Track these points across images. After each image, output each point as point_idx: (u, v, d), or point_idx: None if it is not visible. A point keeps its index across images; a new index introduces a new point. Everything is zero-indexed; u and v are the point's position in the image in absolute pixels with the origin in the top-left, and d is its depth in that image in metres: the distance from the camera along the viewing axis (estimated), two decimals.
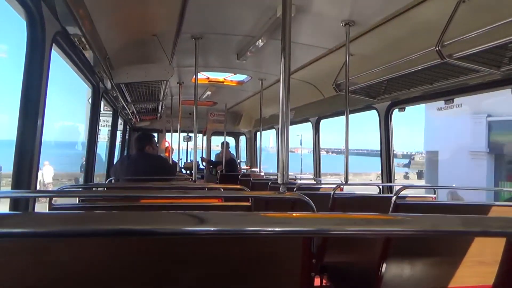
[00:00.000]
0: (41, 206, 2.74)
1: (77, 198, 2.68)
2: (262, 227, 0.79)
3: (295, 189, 3.66)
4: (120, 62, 4.04)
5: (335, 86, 3.85)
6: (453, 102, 3.52)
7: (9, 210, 1.97)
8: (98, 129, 4.11)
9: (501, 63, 2.55)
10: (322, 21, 3.31)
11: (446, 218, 0.85)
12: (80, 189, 2.84)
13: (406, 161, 46.53)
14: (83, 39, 2.58)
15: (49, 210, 1.94)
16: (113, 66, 3.93)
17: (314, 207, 1.53)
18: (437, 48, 2.46)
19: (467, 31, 2.36)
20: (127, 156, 5.40)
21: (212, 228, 0.75)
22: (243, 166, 10.01)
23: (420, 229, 0.84)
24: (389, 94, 3.77)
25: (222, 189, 2.79)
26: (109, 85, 4.10)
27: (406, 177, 35.86)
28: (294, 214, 0.86)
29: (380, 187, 4.11)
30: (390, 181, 4.23)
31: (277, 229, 0.80)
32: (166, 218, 0.76)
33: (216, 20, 3.58)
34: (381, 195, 3.88)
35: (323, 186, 5.06)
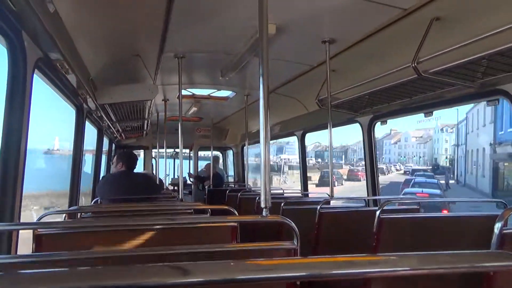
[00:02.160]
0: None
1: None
2: (247, 275, 0.82)
3: (282, 204, 3.67)
4: (104, 82, 4.04)
5: (318, 101, 3.92)
6: (432, 115, 3.60)
7: None
8: (83, 151, 4.09)
9: (475, 77, 2.64)
10: (303, 39, 3.38)
11: (429, 258, 0.88)
12: (64, 215, 2.82)
13: None
14: (65, 64, 2.59)
15: (33, 239, 1.93)
16: (97, 87, 3.94)
17: (297, 232, 1.56)
18: (413, 65, 2.54)
19: (441, 48, 2.44)
20: (111, 174, 5.39)
21: (197, 279, 0.77)
22: (230, 180, 10.00)
23: (403, 268, 0.87)
24: (371, 107, 3.84)
25: (209, 211, 2.80)
26: (93, 106, 4.09)
27: None
28: (277, 261, 0.89)
29: (366, 200, 4.17)
30: (375, 194, 4.29)
31: (262, 276, 0.83)
32: (150, 271, 0.77)
33: (198, 39, 3.61)
34: (367, 208, 3.93)
35: (309, 199, 5.09)
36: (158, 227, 2.10)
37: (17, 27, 1.91)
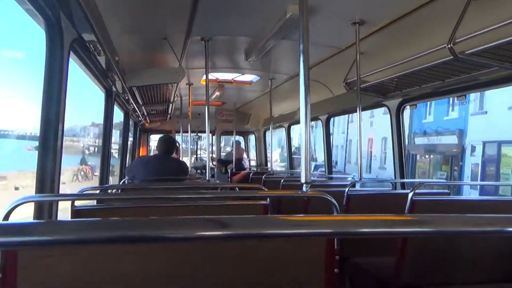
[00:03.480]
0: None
1: (95, 200, 2.75)
2: (287, 230, 0.82)
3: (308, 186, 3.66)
4: (132, 65, 4.09)
5: (346, 85, 3.87)
6: (465, 98, 3.51)
7: (34, 212, 2.03)
8: (111, 132, 4.17)
9: None
10: (332, 21, 3.32)
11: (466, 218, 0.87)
12: (98, 192, 2.90)
13: None
14: (98, 45, 2.63)
15: (71, 211, 2.00)
16: (125, 70, 3.98)
17: (338, 209, 1.55)
18: (449, 46, 2.47)
19: (478, 28, 2.36)
20: (144, 156, 5.46)
21: (234, 232, 0.78)
22: (253, 164, 10.05)
23: (439, 229, 0.86)
24: (400, 91, 3.77)
25: (237, 189, 2.82)
26: (121, 89, 4.15)
27: None
28: (318, 217, 0.88)
29: (393, 183, 4.12)
30: (403, 177, 4.24)
31: (302, 231, 0.83)
32: (188, 223, 0.78)
33: (225, 22, 3.60)
34: (396, 191, 3.88)
35: (335, 182, 5.08)
36: (190, 203, 2.14)
37: (55, 7, 1.95)
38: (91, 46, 2.61)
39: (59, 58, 2.07)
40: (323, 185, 4.23)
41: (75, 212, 2.03)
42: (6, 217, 1.30)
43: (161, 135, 9.14)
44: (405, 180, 4.24)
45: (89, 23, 2.24)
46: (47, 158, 2.04)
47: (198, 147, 10.61)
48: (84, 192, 2.12)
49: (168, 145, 4.44)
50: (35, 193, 2.05)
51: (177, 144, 9.48)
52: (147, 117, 7.08)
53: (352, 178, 5.32)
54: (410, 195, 2.31)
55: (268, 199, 2.25)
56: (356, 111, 3.58)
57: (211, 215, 2.12)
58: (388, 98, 4.05)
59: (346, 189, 3.13)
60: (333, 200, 1.57)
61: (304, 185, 1.66)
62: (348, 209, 3.12)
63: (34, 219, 2.03)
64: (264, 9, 3.23)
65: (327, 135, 6.17)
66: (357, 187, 3.89)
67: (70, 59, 2.46)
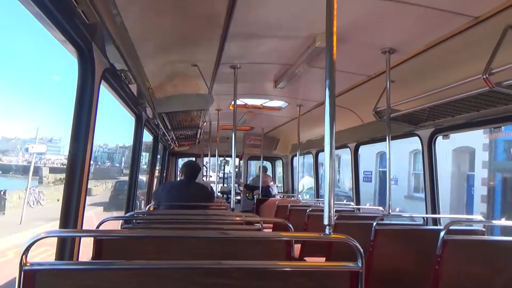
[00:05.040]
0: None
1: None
2: None
3: (335, 218, 3.56)
4: (162, 92, 4.18)
5: (375, 113, 3.78)
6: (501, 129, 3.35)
7: (57, 246, 2.08)
8: (140, 157, 4.23)
9: None
10: (362, 49, 3.29)
11: None
12: (120, 221, 2.92)
13: None
14: (129, 74, 2.70)
15: (94, 243, 2.01)
16: (155, 96, 4.07)
17: (362, 254, 1.47)
18: (484, 76, 2.37)
19: None
20: (171, 182, 5.52)
21: None
22: (280, 191, 9.94)
23: None
24: (432, 121, 3.65)
25: (262, 224, 2.76)
26: (151, 114, 4.23)
27: None
28: None
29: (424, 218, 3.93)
30: (435, 212, 4.04)
31: None
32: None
33: (254, 50, 3.64)
34: (427, 227, 3.70)
35: (362, 214, 4.91)
36: (211, 236, 2.10)
37: (88, 39, 2.01)
38: (122, 74, 2.68)
39: (90, 87, 2.13)
40: (350, 217, 4.09)
41: (97, 242, 2.05)
42: (27, 250, 1.30)
43: (189, 159, 9.33)
44: (437, 215, 4.04)
45: (120, 53, 2.31)
46: (72, 192, 2.09)
47: (226, 171, 10.64)
48: (105, 229, 2.16)
49: (193, 170, 4.45)
50: (59, 227, 2.11)
51: (205, 168, 9.58)
52: (176, 141, 7.18)
53: (382, 211, 5.12)
54: (442, 233, 2.18)
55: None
56: (386, 140, 3.49)
57: (234, 249, 2.08)
58: (419, 127, 3.92)
59: (374, 223, 3.00)
60: (358, 245, 1.49)
61: (327, 227, 1.59)
62: (375, 245, 2.98)
63: (56, 250, 2.07)
64: (293, 38, 3.25)
65: (356, 163, 6.02)
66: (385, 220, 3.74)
67: (101, 86, 2.53)
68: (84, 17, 1.73)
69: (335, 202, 1.82)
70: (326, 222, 1.58)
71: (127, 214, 3.37)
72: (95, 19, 1.79)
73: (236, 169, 9.70)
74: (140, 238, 2.09)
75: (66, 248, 2.08)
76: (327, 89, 1.64)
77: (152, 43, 3.10)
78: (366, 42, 3.13)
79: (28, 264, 1.31)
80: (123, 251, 2.16)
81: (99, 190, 26.01)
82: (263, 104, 6.46)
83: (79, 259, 2.21)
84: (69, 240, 2.09)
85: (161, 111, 3.99)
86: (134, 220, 3.16)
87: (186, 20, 2.78)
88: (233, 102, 4.34)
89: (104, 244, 2.08)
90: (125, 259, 1.51)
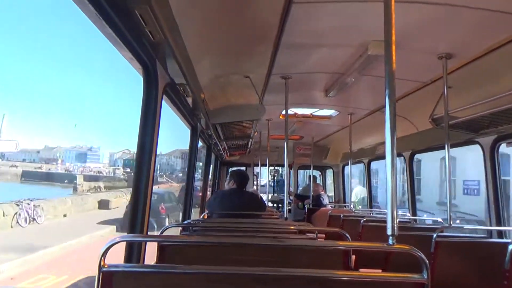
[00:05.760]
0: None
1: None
2: None
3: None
4: (215, 103, 4.33)
5: (432, 120, 3.67)
6: None
7: (125, 250, 2.24)
8: (195, 167, 4.39)
9: None
10: (417, 55, 3.22)
11: None
12: (179, 229, 3.07)
13: None
14: (187, 87, 2.84)
15: (157, 248, 2.14)
16: (209, 108, 4.22)
17: (428, 265, 1.45)
18: None
19: None
20: (222, 191, 5.66)
21: None
22: (331, 200, 9.81)
23: None
24: (495, 127, 3.48)
25: (316, 233, 2.75)
26: (205, 125, 4.38)
27: None
28: None
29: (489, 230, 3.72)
30: (500, 224, 3.81)
31: None
32: None
33: (305, 60, 3.68)
34: (492, 240, 3.50)
35: (420, 225, 4.73)
36: (269, 243, 2.13)
37: (153, 56, 2.16)
38: (181, 88, 2.83)
39: (154, 101, 2.28)
40: (407, 228, 3.95)
41: (161, 247, 2.18)
42: (105, 253, 1.44)
43: (239, 168, 9.48)
44: (503, 227, 3.80)
45: (180, 68, 2.45)
46: (138, 200, 2.25)
47: (276, 180, 10.69)
48: (168, 234, 2.28)
49: (243, 178, 4.52)
50: (127, 232, 2.31)
51: (255, 177, 9.68)
52: (227, 151, 7.35)
53: (440, 222, 4.90)
54: (510, 247, 2.06)
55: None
56: (444, 148, 3.37)
57: (288, 258, 2.11)
58: (480, 135, 3.75)
59: (434, 235, 2.89)
60: (423, 256, 1.46)
61: (390, 237, 1.56)
62: (436, 258, 2.86)
63: (125, 253, 2.24)
64: (345, 46, 3.25)
65: (411, 172, 5.83)
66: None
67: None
68: (150, 36, 1.87)
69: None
70: (389, 232, 1.56)
71: (185, 222, 3.51)
72: (160, 37, 1.92)
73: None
74: (202, 244, 2.19)
75: (134, 251, 2.23)
76: (387, 97, 1.64)
77: (208, 57, 3.23)
78: (422, 48, 3.07)
79: (105, 266, 1.45)
80: (183, 256, 2.28)
81: (120, 202, 23.40)
82: (313, 113, 6.46)
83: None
84: (136, 244, 2.23)
85: (215, 122, 4.13)
86: (190, 228, 3.29)
87: (240, 33, 2.88)
88: (283, 112, 4.39)
89: (167, 249, 2.20)
90: (185, 264, 1.61)
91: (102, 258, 1.45)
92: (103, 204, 24.91)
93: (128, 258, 2.22)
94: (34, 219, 18.53)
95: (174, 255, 2.26)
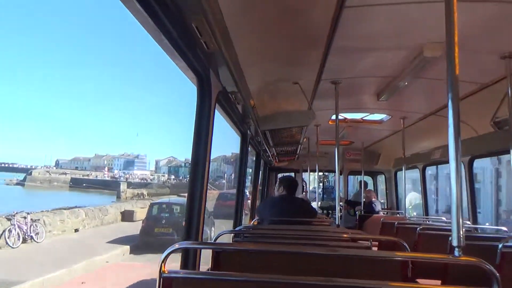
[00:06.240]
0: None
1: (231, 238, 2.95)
2: None
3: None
4: (264, 110, 4.36)
5: (494, 123, 3.46)
6: None
7: (181, 256, 2.33)
8: (246, 174, 4.43)
9: None
10: (477, 56, 3.07)
11: None
12: (232, 235, 3.11)
13: None
14: (238, 95, 2.89)
15: (212, 254, 2.18)
16: (258, 115, 4.26)
17: (499, 280, 1.36)
18: None
19: None
20: (272, 197, 5.68)
21: None
22: (383, 207, 9.51)
23: None
24: None
25: (371, 241, 2.67)
26: (254, 132, 4.43)
27: None
28: None
29: None
30: None
31: None
32: None
33: (356, 64, 3.62)
34: None
35: (480, 235, 4.46)
36: (323, 253, 2.10)
37: (206, 65, 2.22)
38: (233, 96, 2.88)
39: (207, 108, 2.34)
40: (468, 237, 3.71)
41: (216, 254, 2.22)
42: (165, 259, 1.51)
43: (288, 174, 9.47)
44: None
45: (232, 76, 2.50)
46: (194, 208, 2.32)
47: (324, 186, 10.54)
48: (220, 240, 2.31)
49: (292, 184, 4.48)
50: (183, 239, 2.40)
51: (304, 183, 9.61)
52: (276, 157, 7.36)
53: (504, 231, 4.57)
54: None
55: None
56: (509, 153, 3.16)
57: (341, 267, 2.06)
58: None
59: (500, 245, 2.70)
60: (493, 269, 1.37)
61: (456, 249, 1.48)
62: (502, 270, 2.66)
63: (182, 258, 2.32)
64: (398, 49, 3.16)
65: (470, 178, 5.51)
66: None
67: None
68: (205, 46, 1.93)
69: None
70: (455, 243, 1.49)
71: (237, 229, 3.54)
72: (214, 47, 1.97)
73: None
74: (259, 252, 2.20)
75: (190, 258, 2.29)
76: (449, 100, 1.58)
77: (258, 65, 3.27)
78: (483, 48, 2.91)
79: (166, 272, 1.51)
80: (237, 262, 2.30)
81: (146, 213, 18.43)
82: (364, 118, 6.33)
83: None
84: (192, 250, 2.30)
85: (265, 128, 4.16)
86: (242, 234, 3.32)
87: (290, 40, 2.89)
88: (332, 117, 4.34)
89: (221, 256, 2.24)
90: (238, 270, 1.63)
91: (163, 264, 1.51)
92: (127, 216, 22.04)
93: (185, 263, 2.28)
94: (31, 236, 15.25)
95: (228, 262, 2.29)
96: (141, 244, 15.90)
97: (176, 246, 1.60)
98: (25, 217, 15.41)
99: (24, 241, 15.02)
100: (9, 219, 14.82)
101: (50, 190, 58.18)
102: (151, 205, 18.32)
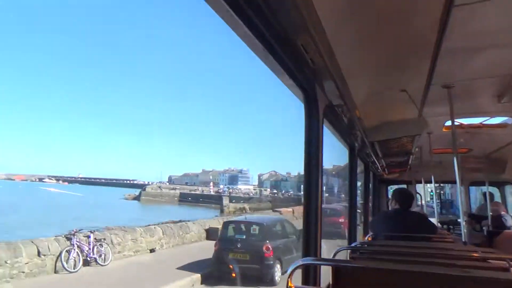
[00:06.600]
0: None
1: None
2: None
3: None
4: (371, 120, 4.30)
5: None
6: None
7: (302, 272, 2.40)
8: (356, 187, 4.39)
9: None
10: None
11: None
12: (350, 251, 3.10)
13: None
14: (344, 107, 2.94)
15: (332, 270, 2.21)
16: (365, 126, 4.22)
17: None
18: None
19: None
20: (386, 211, 5.49)
21: None
22: None
23: None
24: None
25: (508, 261, 2.37)
26: (361, 143, 4.39)
27: None
28: None
29: None
30: None
31: None
32: None
33: (470, 65, 3.38)
34: None
35: None
36: (452, 273, 1.96)
37: (312, 81, 2.33)
38: (339, 109, 2.94)
39: (315, 124, 2.44)
40: None
41: (335, 269, 2.26)
42: (291, 274, 1.64)
43: (399, 186, 8.99)
44: None
45: (338, 89, 2.56)
46: (310, 224, 2.42)
47: (441, 199, 9.76)
48: (340, 258, 2.36)
49: (407, 198, 4.28)
50: (302, 256, 2.46)
51: (419, 196, 9.03)
52: (385, 169, 7.11)
53: None
54: None
55: None
56: None
57: None
58: None
59: None
60: None
61: None
62: None
63: (303, 274, 2.39)
64: None
65: None
66: None
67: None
68: (311, 62, 2.05)
69: None
70: None
71: (352, 244, 3.51)
72: (319, 62, 2.08)
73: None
74: (380, 269, 2.19)
75: (310, 274, 2.39)
76: None
77: (362, 75, 3.28)
78: None
79: (292, 287, 1.64)
80: (355, 279, 2.29)
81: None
82: (483, 122, 5.79)
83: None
84: (312, 267, 2.39)
85: (373, 140, 4.10)
86: (358, 251, 3.27)
87: (395, 46, 2.85)
88: (445, 123, 4.08)
89: (341, 271, 2.26)
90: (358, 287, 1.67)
91: (289, 279, 1.64)
92: (213, 234, 19.21)
93: (305, 280, 2.38)
94: (94, 259, 13.65)
95: (347, 278, 2.29)
96: (215, 273, 13.39)
97: (300, 262, 1.73)
98: (88, 236, 13.85)
99: (87, 263, 13.53)
100: (69, 239, 13.27)
101: (162, 205, 63.88)
102: (225, 224, 15.18)
